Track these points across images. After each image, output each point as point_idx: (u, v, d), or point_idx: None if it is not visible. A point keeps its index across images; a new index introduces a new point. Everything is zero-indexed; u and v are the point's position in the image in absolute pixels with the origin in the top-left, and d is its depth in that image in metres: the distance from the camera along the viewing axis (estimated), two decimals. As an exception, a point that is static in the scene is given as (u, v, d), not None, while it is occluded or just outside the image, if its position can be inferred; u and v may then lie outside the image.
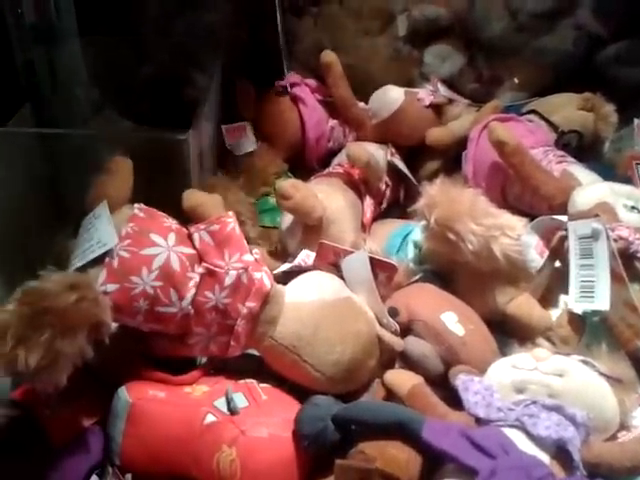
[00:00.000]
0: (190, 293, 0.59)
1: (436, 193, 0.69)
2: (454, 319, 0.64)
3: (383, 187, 0.90)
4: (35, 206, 0.98)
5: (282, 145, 0.98)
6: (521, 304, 0.69)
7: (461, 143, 0.96)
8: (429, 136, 0.95)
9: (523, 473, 0.44)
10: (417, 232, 0.78)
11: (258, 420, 0.59)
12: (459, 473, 0.46)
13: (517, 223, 0.68)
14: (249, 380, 0.64)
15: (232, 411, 0.59)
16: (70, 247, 0.65)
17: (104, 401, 0.61)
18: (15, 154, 0.91)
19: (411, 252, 0.77)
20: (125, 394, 0.59)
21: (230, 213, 0.64)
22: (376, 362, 0.65)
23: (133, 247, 0.58)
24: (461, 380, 0.58)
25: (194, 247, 0.61)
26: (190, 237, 0.62)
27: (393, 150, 0.96)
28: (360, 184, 0.85)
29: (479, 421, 0.56)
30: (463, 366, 0.63)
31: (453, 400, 0.61)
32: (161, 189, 0.86)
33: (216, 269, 0.61)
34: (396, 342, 0.64)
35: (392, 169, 0.94)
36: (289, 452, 0.57)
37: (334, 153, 1.00)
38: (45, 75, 0.98)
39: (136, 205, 0.61)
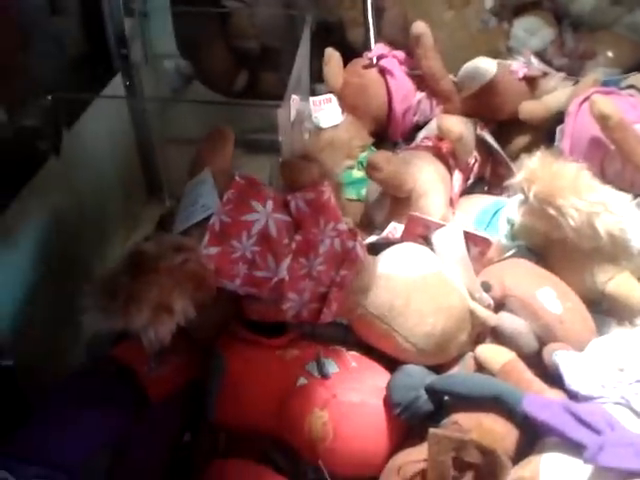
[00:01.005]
0: (286, 259, 0.60)
1: (537, 167, 0.66)
2: (552, 296, 0.63)
3: (472, 162, 0.88)
4: (126, 174, 1.02)
5: (368, 118, 0.97)
6: (621, 283, 0.67)
7: (554, 118, 0.93)
8: (522, 110, 0.91)
9: (632, 450, 0.42)
10: (510, 208, 0.76)
11: (349, 385, 0.59)
12: (562, 447, 0.45)
13: (622, 200, 0.65)
14: (338, 347, 0.65)
15: (323, 375, 0.60)
16: (171, 211, 0.67)
17: (200, 360, 0.63)
18: (109, 121, 0.95)
19: (503, 228, 0.75)
20: (221, 354, 0.61)
21: (325, 183, 0.65)
22: (467, 336, 0.64)
23: (234, 212, 0.59)
24: (561, 356, 0.56)
25: (290, 215, 0.62)
26: (287, 205, 0.62)
27: (482, 124, 0.94)
28: (449, 158, 0.84)
29: (577, 399, 0.54)
30: (559, 344, 0.61)
31: (545, 379, 0.60)
32: (253, 158, 0.88)
33: (311, 236, 0.61)
34: (489, 317, 0.63)
35: (481, 143, 0.92)
36: (380, 418, 0.58)
37: (419, 127, 0.99)
38: (136, 47, 1.01)
39: (237, 173, 0.62)
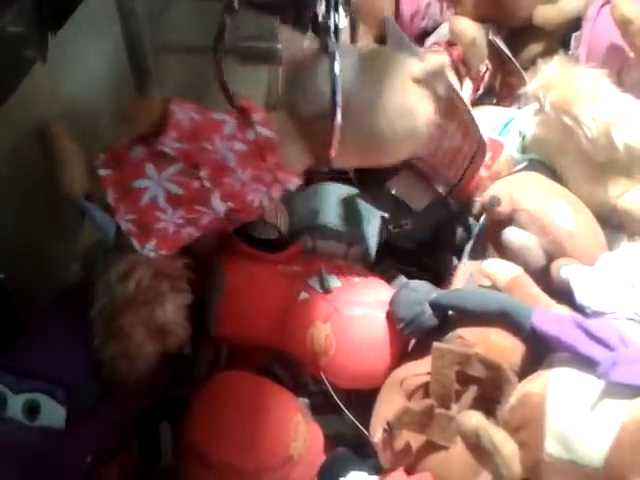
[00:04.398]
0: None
1: (554, 73, 0.62)
2: (563, 210, 0.60)
3: (483, 70, 0.83)
4: (116, 83, 0.97)
5: (373, 21, 0.91)
6: (634, 198, 0.64)
7: (569, 24, 0.87)
8: (537, 15, 0.86)
9: (645, 366, 0.41)
10: (522, 120, 0.73)
11: (352, 299, 0.58)
12: (573, 363, 0.44)
13: (641, 110, 0.62)
14: (341, 262, 0.64)
15: (325, 289, 0.59)
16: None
17: (201, 276, 0.61)
18: (97, 26, 0.89)
19: (515, 140, 0.72)
20: (222, 268, 0.59)
21: None
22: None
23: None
24: (570, 271, 0.55)
25: None
26: None
27: (494, 29, 0.88)
28: (460, 65, 0.79)
29: (586, 315, 0.53)
30: (568, 259, 0.59)
31: (552, 295, 0.58)
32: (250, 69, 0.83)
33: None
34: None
35: (492, 51, 0.87)
36: (383, 331, 0.57)
37: (427, 34, 0.93)
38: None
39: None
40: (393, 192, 0.67)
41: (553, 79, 0.62)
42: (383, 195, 0.72)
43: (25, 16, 0.70)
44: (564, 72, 0.63)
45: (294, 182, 0.55)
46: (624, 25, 0.70)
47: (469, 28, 0.76)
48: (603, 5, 0.78)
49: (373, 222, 0.72)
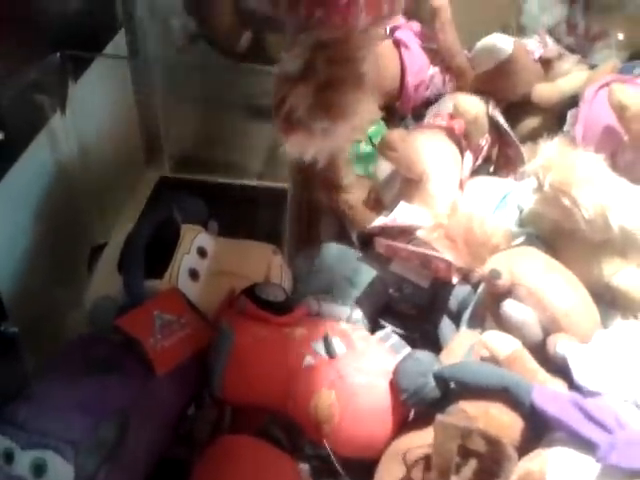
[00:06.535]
0: None
1: (554, 155, 0.66)
2: (561, 286, 0.63)
3: (483, 143, 0.87)
4: (125, 134, 0.99)
5: (379, 91, 0.95)
6: (628, 277, 0.67)
7: (565, 101, 0.92)
8: (536, 92, 0.90)
9: (642, 450, 0.43)
10: (519, 193, 0.76)
11: (356, 366, 0.60)
12: (571, 443, 0.46)
13: (635, 193, 0.65)
14: (345, 326, 0.65)
15: (330, 355, 0.60)
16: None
17: (206, 334, 0.62)
18: (110, 79, 0.92)
19: (512, 213, 0.75)
20: (229, 330, 0.61)
21: None
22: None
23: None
24: (567, 348, 0.57)
25: None
26: None
27: (494, 103, 0.92)
28: (462, 138, 0.82)
29: (581, 391, 0.55)
30: (564, 334, 0.62)
31: (546, 366, 0.60)
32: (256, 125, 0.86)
33: None
34: None
35: (491, 124, 0.90)
36: (386, 401, 0.58)
37: (429, 102, 0.97)
38: (141, 2, 0.97)
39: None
40: (396, 271, 0.70)
41: (553, 161, 0.66)
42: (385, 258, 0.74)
43: (48, 68, 0.74)
44: (563, 154, 0.66)
45: None
46: (620, 111, 0.74)
47: (473, 107, 0.79)
48: (600, 88, 0.82)
49: (374, 285, 0.74)
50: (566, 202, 0.64)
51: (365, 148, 0.92)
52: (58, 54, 0.74)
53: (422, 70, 0.94)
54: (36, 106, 0.73)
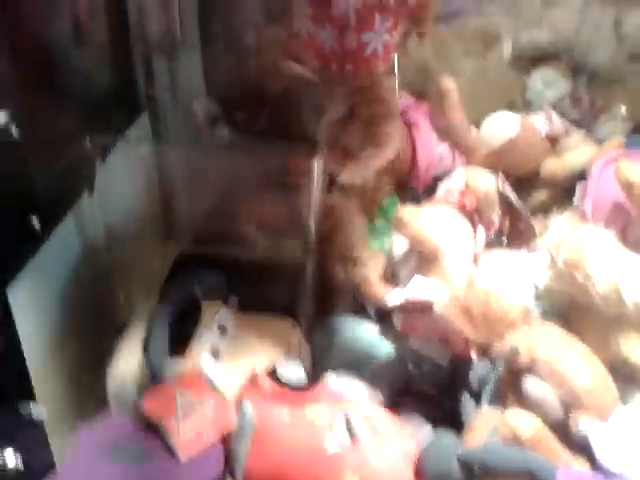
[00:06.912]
0: None
1: (565, 232, 0.67)
2: (580, 363, 0.63)
3: (494, 217, 0.89)
4: (148, 220, 1.02)
5: (392, 170, 0.98)
6: (646, 354, 0.67)
7: (574, 175, 0.94)
8: (544, 168, 0.93)
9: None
10: (534, 269, 0.77)
11: (380, 449, 0.59)
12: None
13: (648, 269, 0.67)
14: (365, 405, 0.66)
15: (352, 437, 0.60)
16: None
17: (229, 416, 0.63)
18: (134, 161, 0.95)
19: (529, 291, 0.76)
20: (250, 411, 0.61)
21: None
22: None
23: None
24: (589, 427, 0.57)
25: None
26: None
27: (503, 178, 0.95)
28: (474, 214, 0.85)
29: (603, 471, 0.55)
30: (585, 412, 0.62)
31: (567, 443, 0.60)
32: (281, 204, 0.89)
33: None
34: None
35: (501, 198, 0.93)
36: (409, 485, 0.58)
37: (438, 178, 1.00)
38: (164, 86, 1.02)
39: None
40: (416, 348, 0.71)
41: (564, 237, 0.67)
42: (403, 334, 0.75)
43: (78, 152, 0.77)
44: (574, 230, 0.68)
45: None
46: (628, 188, 0.76)
47: (483, 184, 0.82)
48: (606, 164, 0.85)
49: (393, 362, 0.74)
50: (579, 278, 0.65)
51: (380, 223, 0.94)
52: (88, 138, 0.76)
53: (432, 150, 0.97)
54: (67, 188, 0.76)
